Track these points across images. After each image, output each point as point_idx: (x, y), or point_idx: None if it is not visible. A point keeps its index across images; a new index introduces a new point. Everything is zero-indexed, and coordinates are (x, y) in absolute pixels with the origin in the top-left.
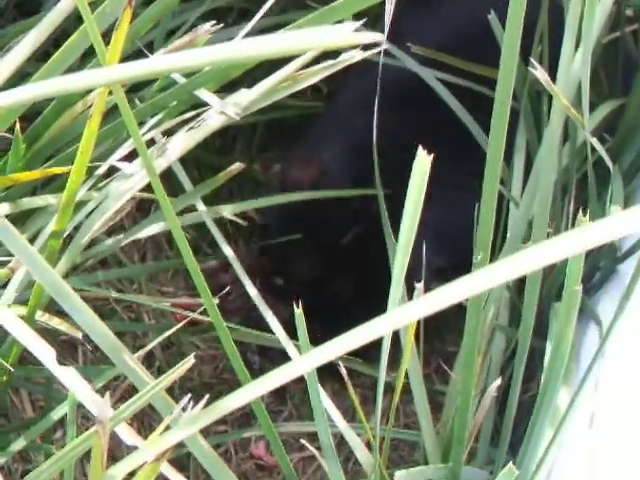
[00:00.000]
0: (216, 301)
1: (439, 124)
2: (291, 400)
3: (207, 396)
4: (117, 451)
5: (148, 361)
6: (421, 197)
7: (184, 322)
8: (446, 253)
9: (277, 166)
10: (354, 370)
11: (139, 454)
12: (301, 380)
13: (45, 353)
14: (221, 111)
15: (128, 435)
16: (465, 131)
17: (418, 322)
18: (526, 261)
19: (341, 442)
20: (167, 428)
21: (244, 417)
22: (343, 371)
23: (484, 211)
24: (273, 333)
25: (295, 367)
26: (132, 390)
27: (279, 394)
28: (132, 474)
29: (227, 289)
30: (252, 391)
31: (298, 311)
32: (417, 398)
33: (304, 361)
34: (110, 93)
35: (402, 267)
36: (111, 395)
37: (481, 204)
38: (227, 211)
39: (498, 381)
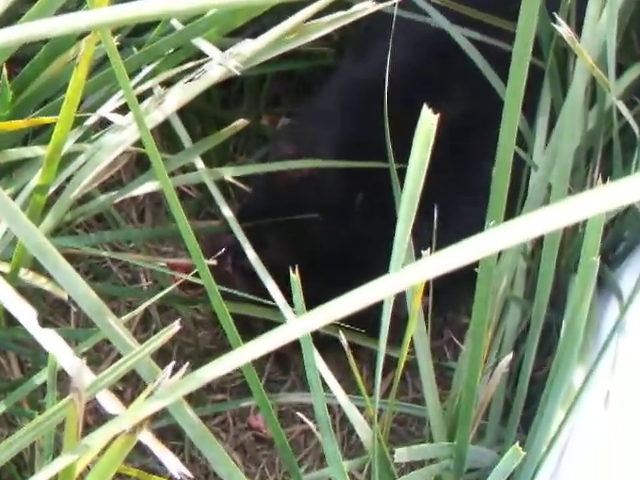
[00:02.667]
0: (211, 263)
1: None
2: (295, 371)
3: (187, 363)
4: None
5: (145, 324)
6: (425, 160)
7: (177, 283)
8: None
9: (286, 120)
10: (365, 348)
11: (116, 423)
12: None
13: (24, 313)
14: (220, 63)
15: (109, 403)
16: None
17: (426, 289)
18: (539, 221)
19: (345, 416)
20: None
21: (244, 386)
22: (344, 342)
23: (498, 175)
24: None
25: (287, 330)
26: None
27: (283, 363)
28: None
29: (222, 251)
30: (238, 357)
31: (294, 276)
32: (422, 370)
33: (297, 324)
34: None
35: (406, 227)
36: (102, 360)
37: (495, 168)
38: (228, 174)
39: (510, 356)
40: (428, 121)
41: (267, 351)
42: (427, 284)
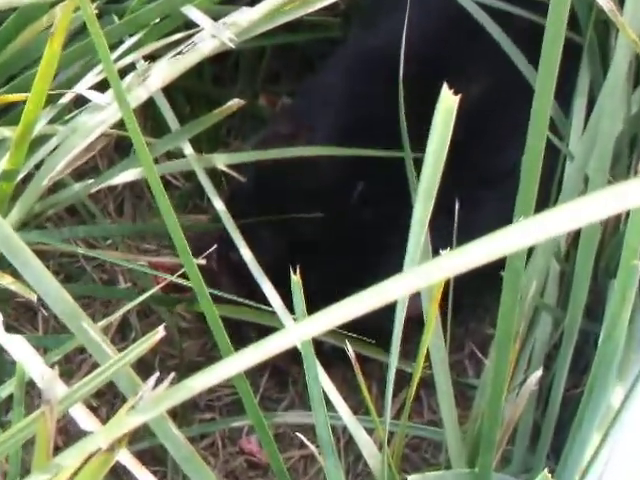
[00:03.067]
0: (200, 262)
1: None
2: (294, 387)
3: (173, 374)
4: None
5: (123, 333)
6: (445, 145)
7: (161, 285)
8: None
9: (286, 99)
10: (374, 362)
11: (92, 440)
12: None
13: None
14: (213, 35)
15: (84, 418)
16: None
17: (445, 294)
18: (574, 213)
19: (352, 439)
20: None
21: (236, 404)
22: (351, 354)
23: (527, 166)
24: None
25: (286, 337)
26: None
27: (280, 378)
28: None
29: (213, 248)
30: (230, 367)
31: (295, 278)
32: (440, 387)
33: (297, 329)
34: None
35: (423, 220)
36: (76, 370)
37: (525, 158)
38: (221, 161)
39: (539, 372)
40: (448, 102)
41: (263, 359)
42: (446, 289)
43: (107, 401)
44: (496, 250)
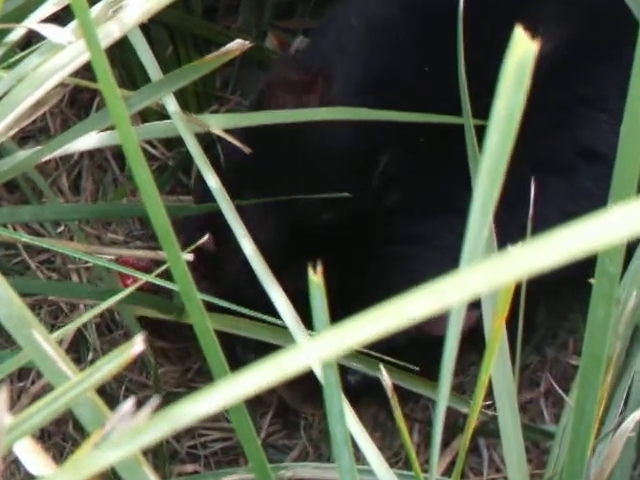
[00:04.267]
0: (188, 258)
1: None
2: (306, 432)
3: (155, 396)
4: None
5: (77, 352)
6: (518, 109)
7: (131, 289)
8: None
9: (299, 41)
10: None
11: None
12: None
13: None
14: None
15: (31, 458)
16: None
17: (514, 309)
18: None
19: None
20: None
21: (226, 452)
22: (387, 384)
23: (627, 139)
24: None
25: (298, 354)
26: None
27: (288, 420)
28: None
29: (205, 238)
30: (227, 393)
31: (315, 278)
32: (505, 435)
33: (313, 345)
34: None
35: (487, 205)
36: (20, 394)
37: (623, 128)
38: (214, 123)
39: (638, 414)
40: (523, 49)
41: (270, 385)
42: (514, 302)
43: (55, 444)
44: (582, 246)
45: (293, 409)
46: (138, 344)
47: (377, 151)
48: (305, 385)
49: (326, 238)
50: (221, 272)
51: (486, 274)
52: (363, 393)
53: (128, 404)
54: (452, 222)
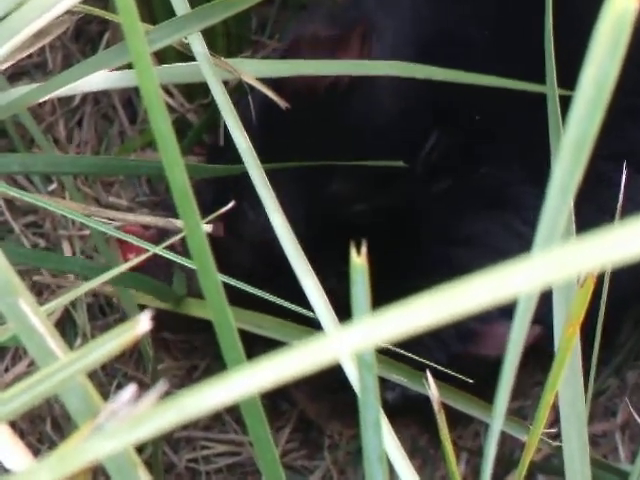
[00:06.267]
0: (208, 229)
1: None
2: (331, 453)
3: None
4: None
5: (63, 334)
6: (612, 76)
7: (131, 263)
8: None
9: None
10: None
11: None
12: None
13: None
14: None
15: (9, 448)
16: None
17: (591, 322)
18: None
19: None
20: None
21: (232, 470)
22: (434, 394)
23: None
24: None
25: (322, 344)
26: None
27: (309, 439)
28: None
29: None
30: (244, 383)
31: (358, 260)
32: (571, 473)
33: (341, 334)
34: None
35: (569, 185)
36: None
37: None
38: (247, 69)
39: None
40: (621, 6)
41: (296, 373)
42: (591, 310)
43: (29, 445)
44: None
45: (316, 425)
46: (144, 322)
47: (423, 131)
48: (334, 398)
49: (356, 232)
50: (229, 262)
51: (565, 260)
52: (402, 413)
53: (128, 392)
54: (508, 219)
